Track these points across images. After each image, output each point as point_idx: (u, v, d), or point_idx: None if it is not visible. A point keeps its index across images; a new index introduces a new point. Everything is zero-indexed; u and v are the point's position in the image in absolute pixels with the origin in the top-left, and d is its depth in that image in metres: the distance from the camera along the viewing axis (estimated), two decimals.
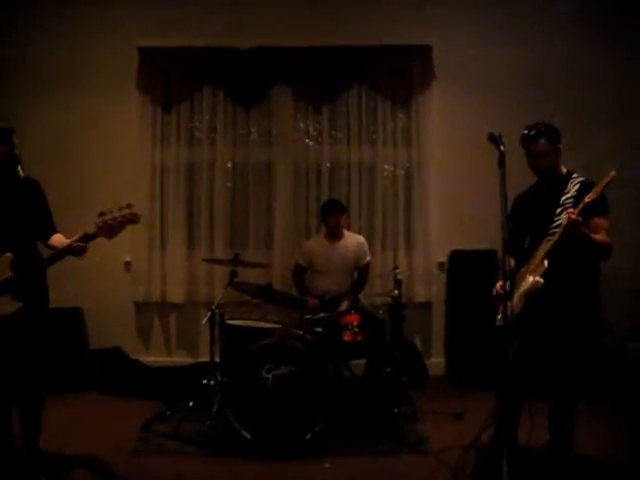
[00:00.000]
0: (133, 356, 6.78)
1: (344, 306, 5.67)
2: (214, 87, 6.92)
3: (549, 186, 4.15)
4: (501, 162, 3.50)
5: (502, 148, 3.52)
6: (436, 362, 6.92)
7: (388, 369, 5.50)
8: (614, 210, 6.50)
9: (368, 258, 6.21)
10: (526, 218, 4.21)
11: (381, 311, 5.64)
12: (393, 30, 6.90)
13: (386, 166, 6.99)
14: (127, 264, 7.01)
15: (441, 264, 6.93)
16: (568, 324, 3.99)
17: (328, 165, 6.99)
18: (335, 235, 6.09)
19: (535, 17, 6.96)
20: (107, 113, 7.00)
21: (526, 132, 4.11)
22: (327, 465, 4.38)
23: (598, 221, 3.96)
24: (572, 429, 4.13)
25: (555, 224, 3.94)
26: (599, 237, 3.91)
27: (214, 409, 4.85)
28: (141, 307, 7.06)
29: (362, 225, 6.90)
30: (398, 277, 5.44)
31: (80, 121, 7.01)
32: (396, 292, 5.41)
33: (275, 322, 5.52)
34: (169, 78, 6.93)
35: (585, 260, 4.00)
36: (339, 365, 5.45)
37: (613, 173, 3.74)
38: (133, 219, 3.78)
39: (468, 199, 6.68)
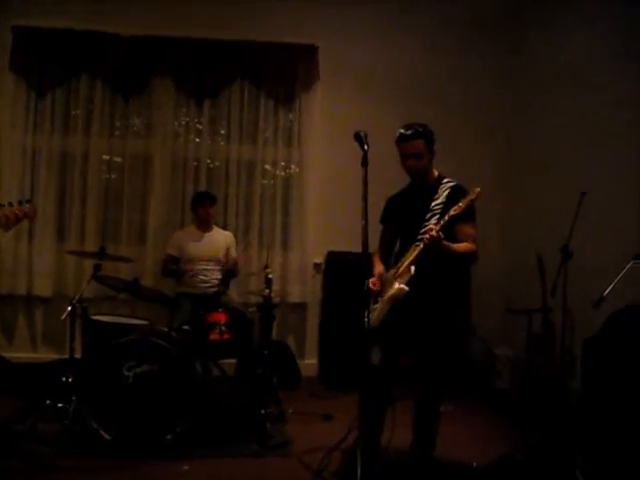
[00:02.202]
0: None
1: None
2: (92, 74, 6.73)
3: (420, 189, 4.13)
4: (364, 162, 3.50)
5: (365, 148, 3.51)
6: (309, 363, 6.91)
7: (259, 370, 5.44)
8: (485, 220, 6.75)
9: (236, 254, 6.26)
10: (397, 220, 4.22)
11: (250, 310, 5.58)
12: (279, 27, 6.89)
13: (266, 165, 6.97)
14: None
15: (317, 265, 6.93)
16: (431, 328, 4.01)
17: (207, 161, 6.91)
18: (205, 225, 6.11)
19: (422, 20, 7.10)
20: None
21: (402, 131, 4.02)
22: (185, 467, 4.25)
23: (464, 228, 3.97)
24: (434, 431, 4.17)
25: (423, 230, 3.92)
26: (462, 246, 3.93)
27: (71, 408, 4.64)
28: (5, 300, 6.75)
29: (239, 223, 6.86)
30: (269, 276, 5.39)
31: None
32: (267, 291, 5.35)
33: (143, 319, 5.36)
34: (45, 61, 6.68)
35: (451, 266, 4.03)
36: (207, 364, 5.35)
37: (478, 190, 3.77)
38: (29, 214, 3.89)
39: (347, 201, 6.63)
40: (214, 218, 6.20)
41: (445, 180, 4.06)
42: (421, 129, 4.02)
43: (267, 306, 5.42)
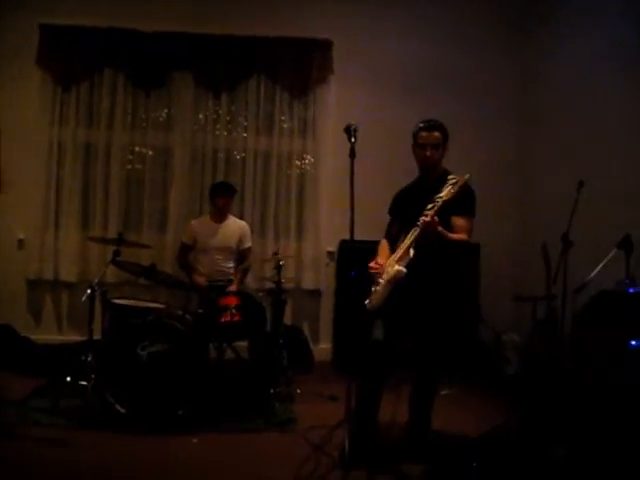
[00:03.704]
0: (24, 334, 6.73)
1: (233, 287, 5.85)
2: (115, 69, 7.00)
3: (426, 183, 4.31)
4: (352, 153, 3.72)
5: (353, 140, 3.73)
6: (323, 348, 7.14)
7: (270, 351, 5.68)
8: (496, 209, 6.91)
9: (249, 244, 6.33)
10: (402, 214, 4.40)
11: (260, 294, 5.82)
12: (295, 23, 7.11)
13: (281, 156, 7.20)
14: (20, 242, 7.01)
15: (331, 253, 7.14)
16: (428, 310, 4.20)
17: (224, 152, 7.16)
18: (220, 216, 6.21)
19: (434, 13, 7.27)
20: (6, 89, 7.00)
21: (424, 123, 4.30)
22: (195, 440, 4.51)
23: (458, 220, 4.16)
24: (429, 410, 4.37)
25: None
26: (455, 236, 4.11)
27: (89, 385, 4.93)
28: (33, 285, 7.08)
29: (255, 212, 7.10)
30: (280, 262, 5.63)
31: None
32: (277, 277, 5.59)
33: (161, 303, 5.63)
34: (70, 57, 6.95)
35: (447, 253, 4.18)
36: (221, 346, 5.60)
37: (467, 176, 3.95)
38: None
39: (360, 191, 6.81)
40: (231, 209, 6.33)
41: (450, 177, 4.12)
42: (439, 123, 4.31)
43: (277, 291, 5.66)
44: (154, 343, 4.77)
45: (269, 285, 6.18)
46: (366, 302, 4.30)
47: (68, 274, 6.98)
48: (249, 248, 6.33)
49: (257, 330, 5.54)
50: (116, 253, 5.26)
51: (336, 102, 7.11)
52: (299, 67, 7.09)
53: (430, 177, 4.31)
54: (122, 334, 4.89)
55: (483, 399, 5.85)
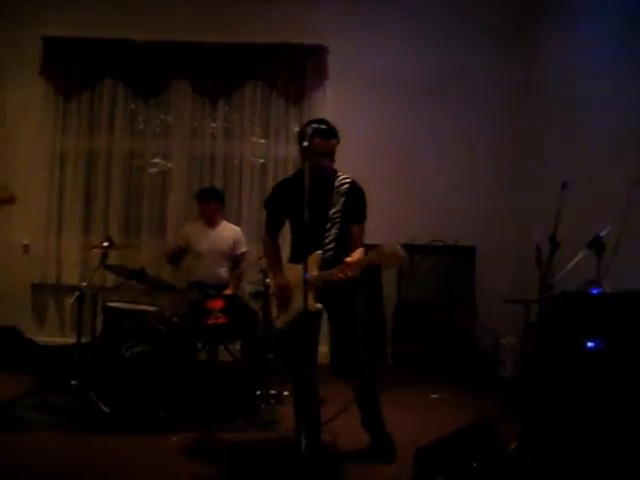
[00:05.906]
0: (29, 335, 6.91)
1: (229, 291, 5.97)
2: (115, 79, 7.21)
3: (317, 182, 3.82)
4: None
5: (305, 144, 3.71)
6: (321, 351, 7.16)
7: (270, 355, 5.80)
8: (494, 218, 6.92)
9: (244, 249, 6.35)
10: (291, 210, 4.22)
11: (246, 297, 5.92)
12: (290, 29, 7.22)
13: (278, 160, 7.32)
14: (25, 247, 7.22)
15: None
16: (340, 319, 4.35)
17: (222, 158, 7.31)
18: (210, 222, 6.25)
19: (429, 19, 7.34)
20: (10, 100, 7.22)
21: (324, 127, 3.98)
22: (174, 439, 4.62)
23: (354, 229, 4.09)
24: (378, 411, 4.39)
25: (328, 240, 4.06)
26: (360, 257, 3.91)
27: (75, 384, 5.07)
28: (37, 288, 7.29)
29: (252, 217, 7.22)
30: (263, 266, 5.71)
31: None
32: (266, 280, 5.68)
33: (153, 306, 5.75)
34: (72, 68, 7.19)
35: None
36: (213, 348, 5.72)
37: (403, 257, 3.76)
38: (9, 200, 4.17)
39: None
40: (221, 214, 6.33)
41: (340, 176, 4.14)
42: (335, 128, 4.03)
43: (264, 294, 5.74)
44: (138, 344, 4.90)
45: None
46: (276, 323, 4.37)
47: (70, 278, 7.16)
48: (244, 253, 6.35)
49: (247, 333, 5.65)
50: (104, 257, 5.41)
51: (331, 107, 7.16)
52: (294, 73, 7.22)
53: (320, 175, 4.03)
54: (108, 335, 5.04)
55: (476, 402, 5.82)
